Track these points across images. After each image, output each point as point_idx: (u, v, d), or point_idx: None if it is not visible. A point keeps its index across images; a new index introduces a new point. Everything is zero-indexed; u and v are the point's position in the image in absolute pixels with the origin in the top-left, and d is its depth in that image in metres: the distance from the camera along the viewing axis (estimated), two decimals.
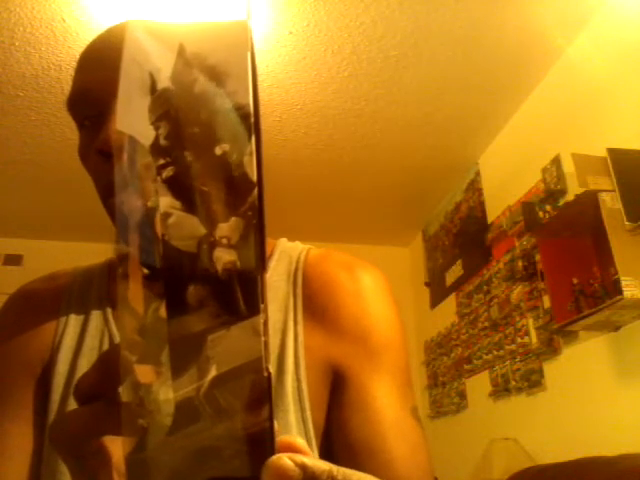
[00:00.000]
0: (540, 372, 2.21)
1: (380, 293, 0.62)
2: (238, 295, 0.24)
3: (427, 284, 3.52)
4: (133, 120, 0.25)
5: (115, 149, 0.25)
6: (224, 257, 0.24)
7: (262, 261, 0.24)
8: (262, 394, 0.24)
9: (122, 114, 0.25)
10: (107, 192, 0.53)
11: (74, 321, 0.62)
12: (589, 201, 1.75)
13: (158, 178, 0.25)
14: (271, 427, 0.24)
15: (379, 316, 0.60)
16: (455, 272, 3.12)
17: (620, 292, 1.58)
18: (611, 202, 1.69)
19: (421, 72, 2.28)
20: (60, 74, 2.22)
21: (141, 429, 0.24)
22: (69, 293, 0.65)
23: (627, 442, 1.54)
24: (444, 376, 3.15)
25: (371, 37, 2.10)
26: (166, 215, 0.24)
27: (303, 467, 0.25)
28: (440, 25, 2.05)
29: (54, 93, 2.32)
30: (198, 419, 0.24)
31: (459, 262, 3.08)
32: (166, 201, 0.24)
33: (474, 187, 2.96)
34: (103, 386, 0.26)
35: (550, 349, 2.15)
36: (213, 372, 0.24)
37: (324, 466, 0.26)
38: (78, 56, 0.59)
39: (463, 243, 3.08)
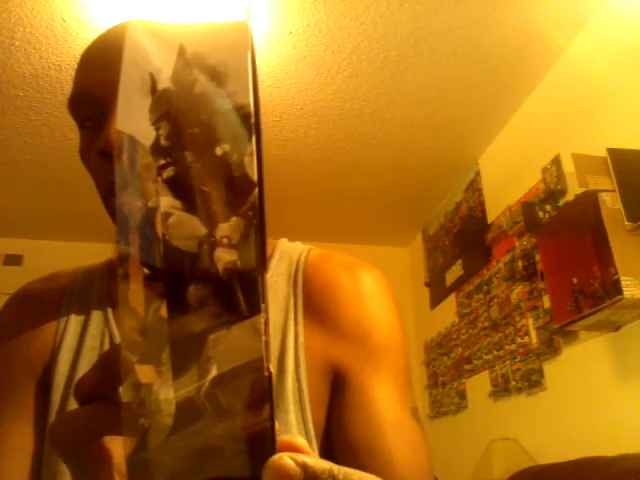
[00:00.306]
0: (540, 372, 2.22)
1: (380, 294, 0.62)
2: (239, 295, 0.24)
3: (427, 284, 3.52)
4: (133, 120, 0.25)
5: (115, 149, 0.25)
6: (225, 257, 0.24)
7: (263, 261, 0.24)
8: (263, 394, 0.24)
9: (122, 114, 0.25)
10: (108, 192, 0.53)
11: (75, 321, 0.62)
12: (589, 201, 1.75)
13: (159, 178, 0.25)
14: (272, 427, 0.24)
15: (379, 317, 0.60)
16: (455, 272, 3.12)
17: (620, 292, 1.58)
18: (611, 202, 1.69)
19: (421, 72, 2.28)
20: (60, 74, 2.22)
21: (142, 429, 0.24)
22: (70, 293, 0.65)
23: (627, 442, 1.54)
24: (444, 376, 3.15)
25: (371, 37, 2.10)
26: (167, 215, 0.24)
27: (304, 466, 0.25)
28: (440, 25, 2.05)
29: (54, 93, 2.32)
30: (199, 419, 0.24)
31: (459, 262, 3.08)
32: (167, 201, 0.25)
33: (474, 187, 2.96)
34: (104, 386, 0.26)
35: (550, 349, 2.15)
36: (214, 372, 0.24)
37: (325, 465, 0.26)
38: (78, 56, 0.59)
39: (463, 243, 3.08)
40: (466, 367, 2.88)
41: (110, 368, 0.26)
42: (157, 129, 0.25)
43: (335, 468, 0.26)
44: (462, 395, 2.91)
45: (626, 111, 1.85)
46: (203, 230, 0.24)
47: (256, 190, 0.25)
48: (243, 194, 0.25)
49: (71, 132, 2.49)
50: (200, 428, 0.24)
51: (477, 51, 2.18)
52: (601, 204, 1.70)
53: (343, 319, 0.59)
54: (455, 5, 1.96)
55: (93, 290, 0.65)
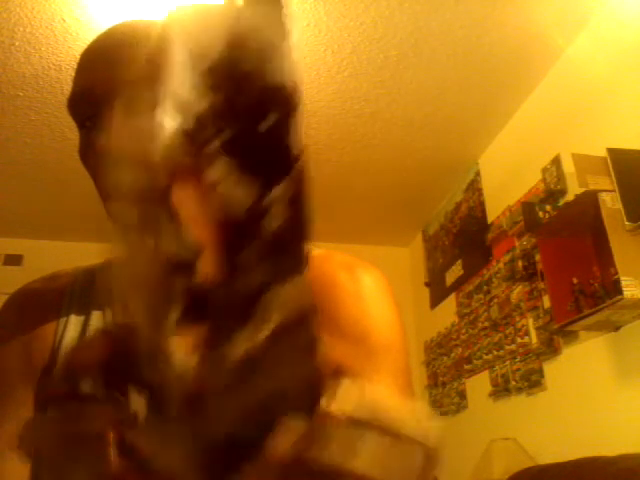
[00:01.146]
0: (540, 372, 2.21)
1: (380, 294, 0.62)
2: (288, 255, 0.27)
3: (427, 284, 3.52)
4: (184, 93, 0.27)
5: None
6: (273, 222, 0.27)
7: (307, 223, 0.28)
8: (314, 343, 0.27)
9: (172, 86, 0.27)
10: (107, 192, 0.53)
11: (75, 321, 0.62)
12: (589, 201, 1.75)
13: (209, 147, 0.27)
14: (322, 371, 0.27)
15: (379, 317, 0.60)
16: (455, 272, 3.12)
17: (620, 292, 1.58)
18: (611, 202, 1.69)
19: (421, 72, 2.28)
20: (60, 74, 2.22)
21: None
22: (70, 293, 0.65)
23: (627, 442, 1.54)
24: (444, 376, 3.15)
25: (371, 37, 2.10)
26: (217, 183, 0.27)
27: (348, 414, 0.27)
28: (440, 25, 2.05)
29: (54, 93, 2.32)
30: (256, 372, 0.26)
31: (459, 262, 3.08)
32: (217, 170, 0.27)
33: (474, 187, 2.96)
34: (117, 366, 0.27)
35: (550, 349, 2.15)
36: (269, 327, 0.26)
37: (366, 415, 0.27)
38: (78, 56, 0.59)
39: (463, 243, 3.08)
40: (466, 367, 2.88)
41: (122, 348, 0.27)
42: (206, 101, 0.27)
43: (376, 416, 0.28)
44: (462, 395, 2.91)
45: (626, 111, 1.85)
46: (252, 197, 0.27)
47: (300, 158, 0.27)
48: (288, 164, 0.27)
49: (71, 132, 2.48)
50: (258, 380, 0.26)
51: (477, 51, 2.17)
52: (601, 204, 1.70)
53: (343, 319, 0.59)
54: (455, 5, 1.96)
55: (93, 290, 0.65)
